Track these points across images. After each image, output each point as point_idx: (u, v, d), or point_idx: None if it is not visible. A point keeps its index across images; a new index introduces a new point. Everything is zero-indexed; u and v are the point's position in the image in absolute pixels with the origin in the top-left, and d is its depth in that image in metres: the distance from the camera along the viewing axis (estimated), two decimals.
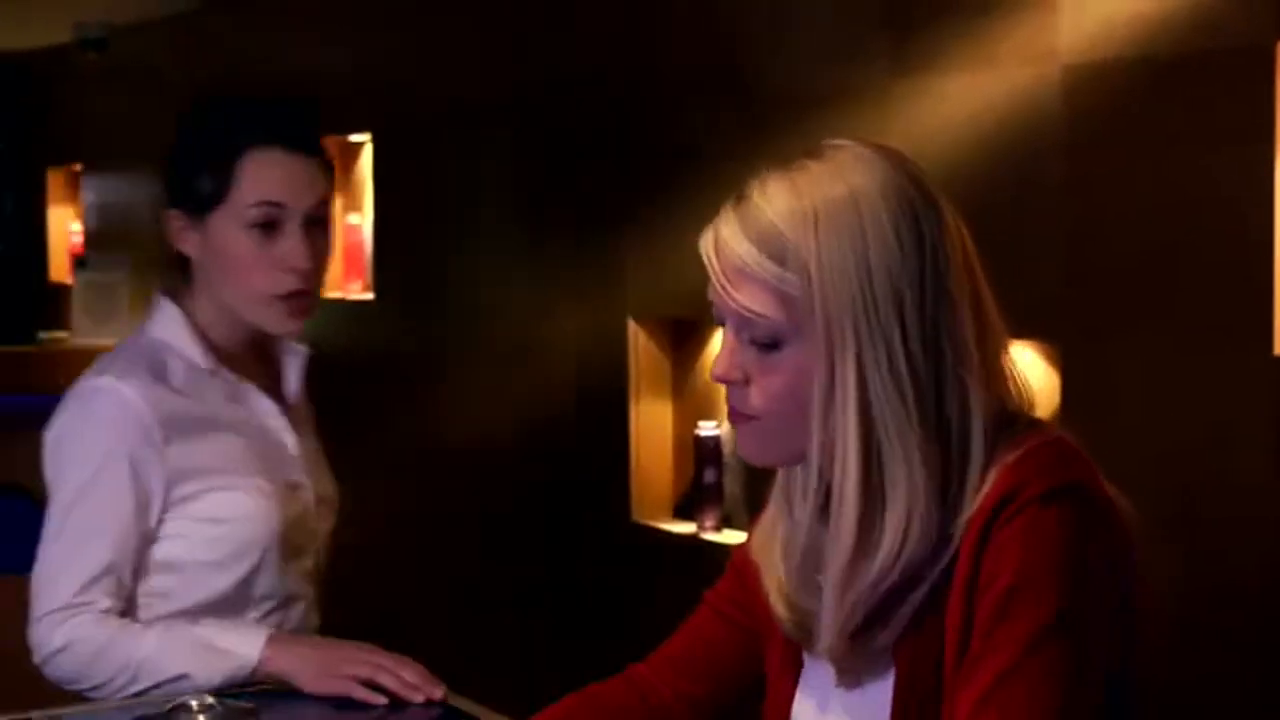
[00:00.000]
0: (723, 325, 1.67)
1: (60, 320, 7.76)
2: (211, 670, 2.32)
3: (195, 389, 2.46)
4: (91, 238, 7.95)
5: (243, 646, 2.33)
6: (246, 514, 2.44)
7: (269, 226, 2.41)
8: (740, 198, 1.64)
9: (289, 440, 2.53)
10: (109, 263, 7.29)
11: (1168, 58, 2.91)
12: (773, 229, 1.59)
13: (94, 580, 2.37)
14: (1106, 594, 1.55)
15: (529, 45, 4.67)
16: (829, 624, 1.62)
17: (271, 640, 2.33)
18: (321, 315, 6.41)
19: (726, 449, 4.11)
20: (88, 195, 8.09)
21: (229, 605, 2.46)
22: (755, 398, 1.64)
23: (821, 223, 1.58)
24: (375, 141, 5.57)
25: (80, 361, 2.76)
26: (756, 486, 3.98)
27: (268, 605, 2.49)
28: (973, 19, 3.27)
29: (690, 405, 4.20)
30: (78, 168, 8.23)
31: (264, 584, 2.47)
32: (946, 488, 1.57)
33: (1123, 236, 3.01)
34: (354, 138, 5.77)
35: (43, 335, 7.64)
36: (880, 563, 1.57)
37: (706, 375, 4.24)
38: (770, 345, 1.61)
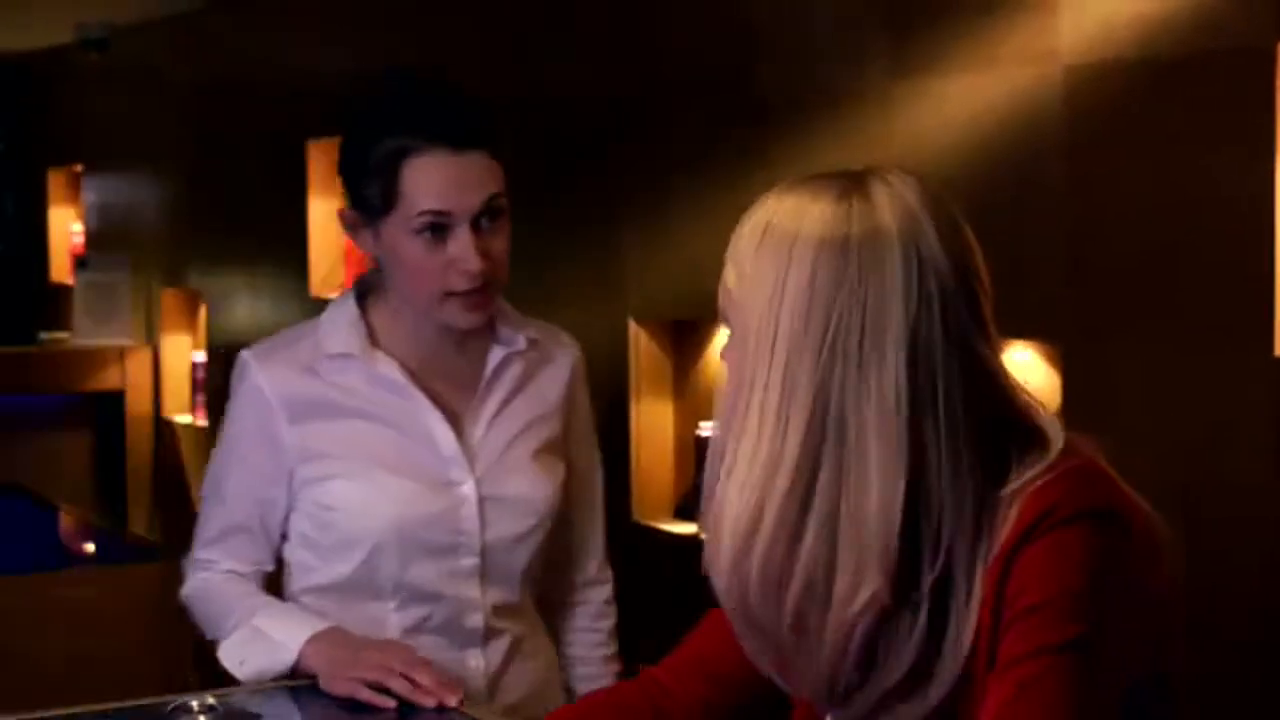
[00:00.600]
0: None
1: (61, 321, 7.76)
2: (260, 660, 2.36)
3: (337, 375, 2.47)
4: (92, 238, 7.95)
5: (288, 641, 2.34)
6: (356, 504, 2.44)
7: (438, 229, 2.39)
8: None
9: (442, 436, 2.48)
10: (110, 263, 7.29)
11: (1168, 59, 2.91)
12: (736, 236, 1.65)
13: (212, 541, 2.52)
14: (1130, 618, 1.55)
15: (529, 47, 4.67)
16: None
17: (313, 638, 2.33)
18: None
19: None
20: (88, 195, 8.09)
21: (358, 591, 2.47)
22: None
23: (764, 240, 1.62)
24: None
25: (81, 362, 2.77)
26: None
27: (400, 598, 2.46)
28: (973, 20, 3.27)
29: (691, 406, 4.20)
30: (79, 168, 8.23)
31: (389, 576, 2.45)
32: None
33: (1123, 237, 3.01)
34: None
35: (43, 336, 7.64)
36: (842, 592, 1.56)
37: (708, 376, 4.24)
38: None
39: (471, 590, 2.49)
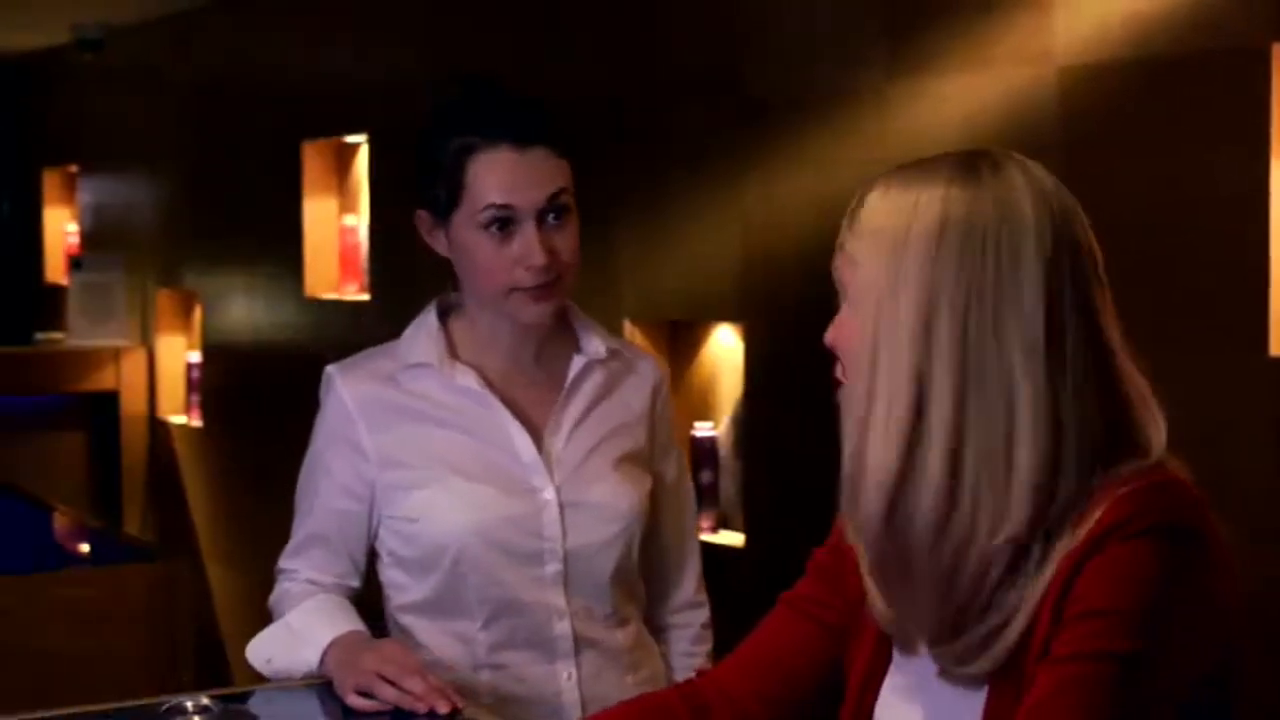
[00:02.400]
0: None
1: (56, 321, 7.76)
2: (285, 659, 2.37)
3: (415, 384, 2.49)
4: (87, 239, 7.95)
5: (313, 641, 2.35)
6: (438, 511, 2.44)
7: (504, 225, 2.41)
8: None
9: (521, 444, 2.48)
10: (105, 263, 7.29)
11: (1163, 59, 2.91)
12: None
13: (295, 551, 2.53)
14: (1192, 636, 1.56)
15: (525, 47, 4.67)
16: (923, 617, 1.63)
17: (335, 643, 2.33)
18: (317, 316, 6.43)
19: (723, 450, 4.11)
20: (84, 196, 8.09)
21: (446, 608, 2.46)
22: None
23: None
24: (371, 142, 5.57)
25: (76, 362, 2.77)
26: (752, 487, 3.99)
27: (486, 612, 2.45)
28: (968, 21, 3.27)
29: (686, 406, 4.20)
30: (74, 169, 8.23)
31: (474, 588, 2.44)
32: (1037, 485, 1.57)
33: (1118, 237, 3.01)
34: (350, 139, 5.77)
35: (39, 336, 7.65)
36: (954, 544, 1.57)
37: (703, 376, 4.24)
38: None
39: (556, 598, 2.47)
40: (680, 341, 4.27)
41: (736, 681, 1.88)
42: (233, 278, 6.48)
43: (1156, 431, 1.64)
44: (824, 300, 1.71)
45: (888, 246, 1.60)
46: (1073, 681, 1.51)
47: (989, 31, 3.23)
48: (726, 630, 1.96)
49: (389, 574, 2.52)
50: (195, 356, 6.86)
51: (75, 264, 7.41)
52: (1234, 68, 2.81)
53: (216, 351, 6.64)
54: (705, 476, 4.03)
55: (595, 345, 2.54)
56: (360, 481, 2.48)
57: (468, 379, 2.47)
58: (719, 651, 2.51)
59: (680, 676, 2.57)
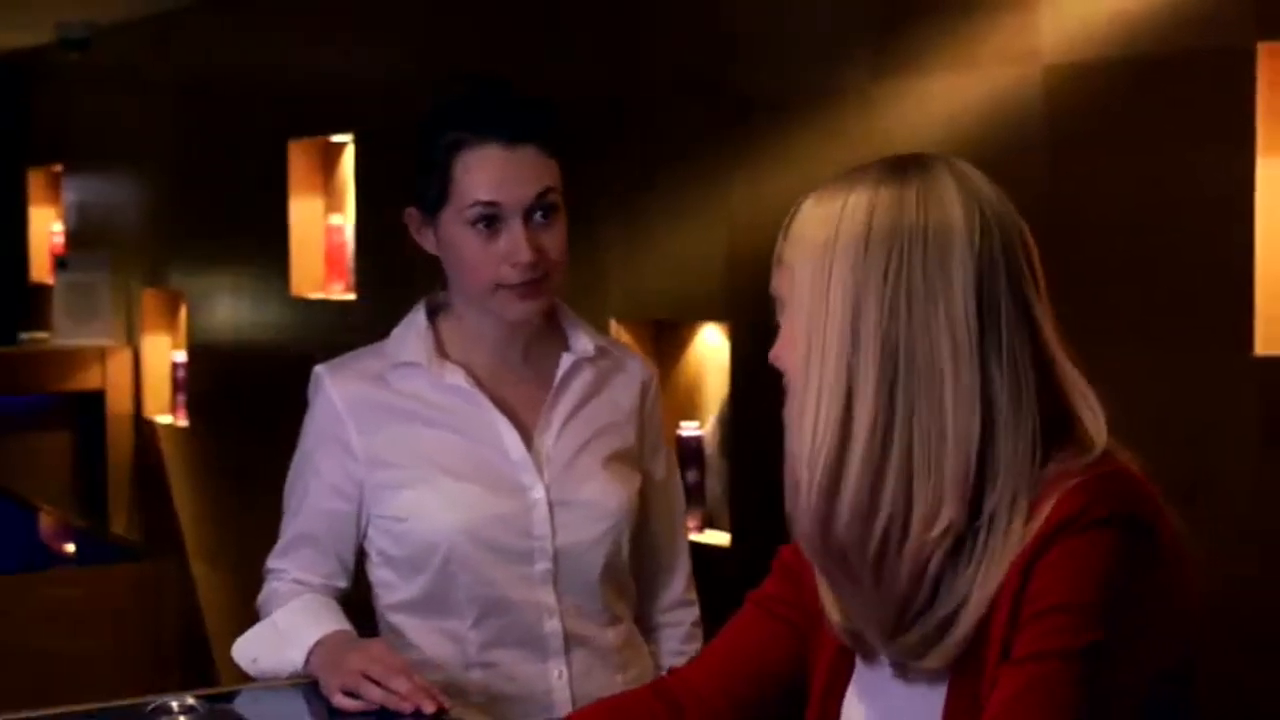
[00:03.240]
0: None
1: (41, 321, 7.74)
2: (271, 659, 2.37)
3: (404, 383, 2.49)
4: (73, 238, 7.94)
5: (298, 641, 2.34)
6: (427, 510, 2.44)
7: (491, 222, 2.41)
8: None
9: (510, 442, 2.48)
10: (90, 263, 7.28)
11: (1149, 58, 2.92)
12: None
13: (284, 551, 2.53)
14: (1151, 626, 1.55)
15: (514, 47, 4.67)
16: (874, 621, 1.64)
17: (320, 643, 2.33)
18: (303, 315, 6.43)
19: (709, 449, 4.12)
20: (69, 195, 8.07)
21: (436, 607, 2.46)
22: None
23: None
24: (357, 142, 5.57)
25: (61, 362, 2.76)
26: (738, 487, 3.99)
27: (476, 610, 2.45)
28: (954, 20, 3.28)
29: (672, 406, 4.20)
30: (59, 168, 8.21)
31: (464, 587, 2.44)
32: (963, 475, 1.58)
33: (1104, 236, 3.02)
34: (336, 138, 5.77)
35: (23, 336, 7.63)
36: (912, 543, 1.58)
37: (689, 375, 4.24)
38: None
39: (546, 596, 2.47)
40: (666, 341, 4.27)
41: (704, 680, 1.89)
42: (218, 277, 6.47)
43: (1095, 423, 1.64)
44: None
45: (818, 252, 1.61)
46: (1035, 681, 1.51)
47: (974, 31, 3.24)
48: (713, 630, 1.96)
49: (378, 573, 2.52)
50: (181, 356, 6.85)
51: (60, 263, 7.40)
52: (1219, 66, 2.82)
53: (202, 351, 6.63)
54: (691, 476, 4.03)
55: (584, 343, 2.55)
56: (349, 481, 2.49)
57: (457, 377, 2.48)
58: None
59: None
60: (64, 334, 7.18)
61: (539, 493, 2.46)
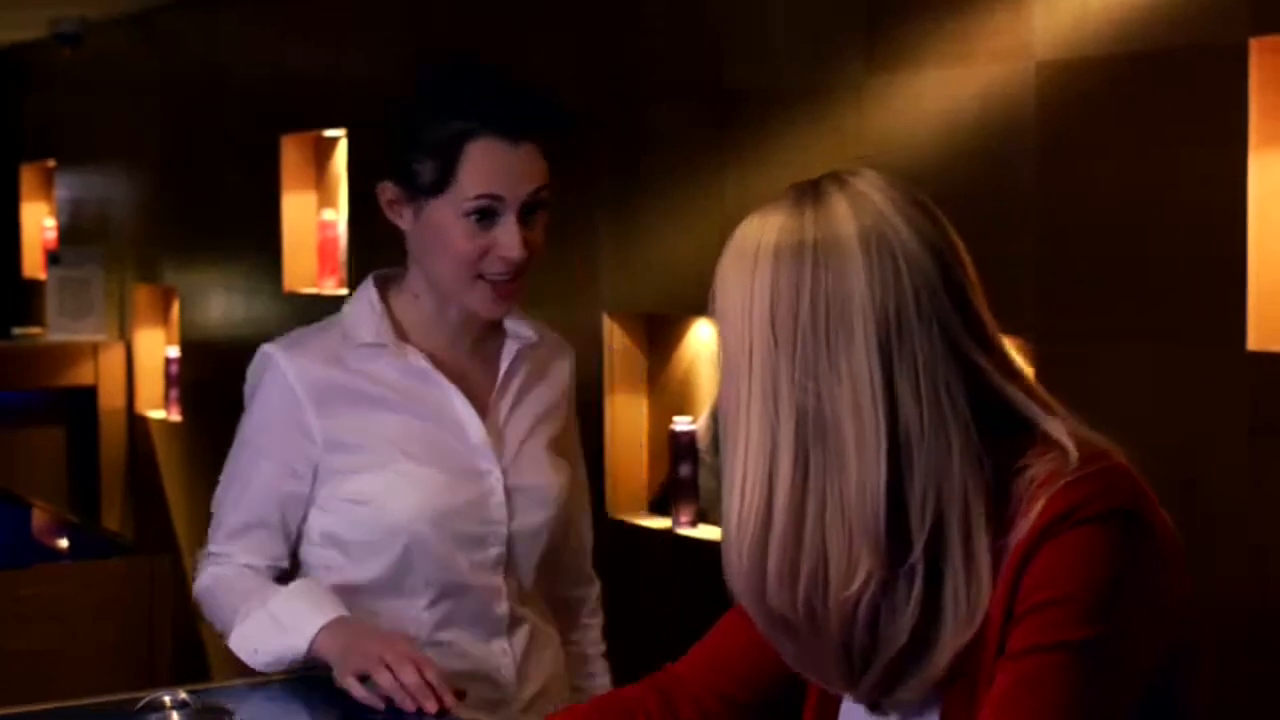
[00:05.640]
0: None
1: (34, 316, 7.73)
2: (273, 648, 2.36)
3: (365, 366, 2.48)
4: (65, 233, 7.93)
5: (301, 628, 2.33)
6: (389, 496, 2.44)
7: (486, 214, 2.41)
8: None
9: (471, 426, 2.50)
10: (83, 258, 7.27)
11: (1141, 54, 2.92)
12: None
13: (233, 535, 2.51)
14: (1148, 621, 1.55)
15: (504, 41, 4.67)
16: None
17: (328, 626, 2.32)
18: (296, 310, 6.41)
19: (701, 444, 4.12)
20: (61, 190, 8.06)
21: (390, 587, 2.47)
22: None
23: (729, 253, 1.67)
24: (350, 137, 5.56)
25: (54, 357, 2.76)
26: None
27: (433, 593, 2.47)
28: (947, 16, 3.28)
29: (665, 400, 4.21)
30: (52, 163, 8.20)
31: (424, 570, 2.45)
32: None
33: (1096, 232, 3.02)
34: (329, 133, 5.76)
35: (16, 331, 7.62)
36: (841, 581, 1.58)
37: (682, 370, 4.24)
38: None
39: (496, 579, 2.50)
40: (659, 336, 4.27)
41: (695, 677, 1.90)
42: (211, 272, 6.47)
43: (1048, 423, 1.62)
44: None
45: (736, 319, 1.63)
46: (1034, 674, 1.51)
47: (967, 26, 3.24)
48: (706, 626, 1.96)
49: (320, 554, 2.51)
50: (174, 351, 6.84)
51: (53, 259, 7.39)
52: (1212, 62, 2.82)
53: (195, 346, 6.63)
54: (684, 470, 4.03)
55: (524, 329, 2.58)
56: (305, 463, 2.48)
57: (419, 360, 2.48)
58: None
59: (583, 649, 2.71)
60: (56, 329, 7.17)
61: (496, 477, 2.49)
